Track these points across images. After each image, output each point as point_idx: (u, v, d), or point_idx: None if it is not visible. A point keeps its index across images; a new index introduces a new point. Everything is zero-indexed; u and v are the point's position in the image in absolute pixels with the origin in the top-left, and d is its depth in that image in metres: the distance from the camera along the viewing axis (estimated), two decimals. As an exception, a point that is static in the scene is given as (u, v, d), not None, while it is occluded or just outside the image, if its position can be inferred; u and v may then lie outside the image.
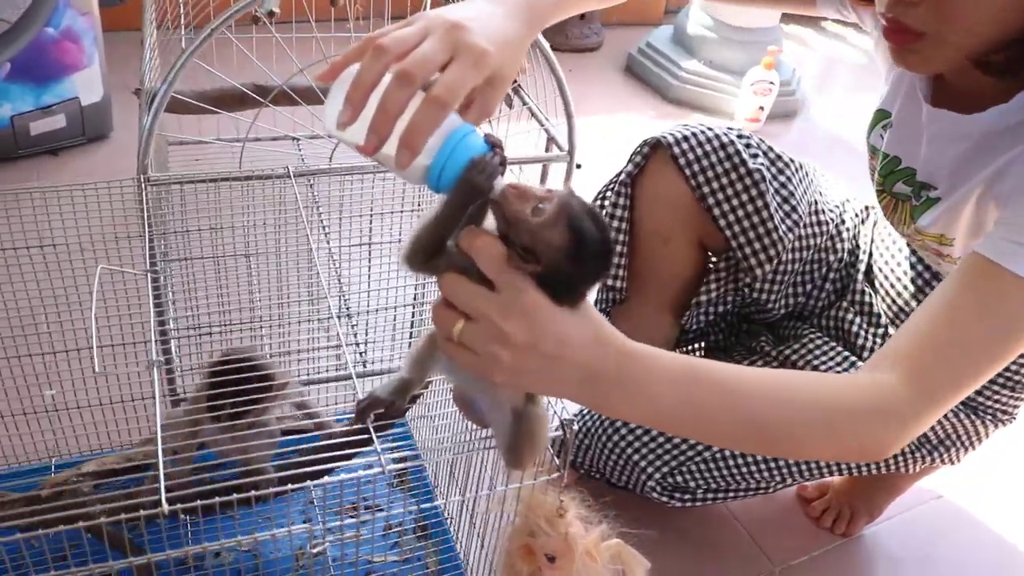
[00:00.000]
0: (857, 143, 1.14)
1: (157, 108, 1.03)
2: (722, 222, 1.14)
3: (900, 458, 1.19)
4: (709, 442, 0.80)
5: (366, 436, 0.77)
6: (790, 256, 1.19)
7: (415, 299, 1.33)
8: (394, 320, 1.32)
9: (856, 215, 1.27)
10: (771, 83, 2.66)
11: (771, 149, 1.17)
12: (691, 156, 1.13)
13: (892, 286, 1.17)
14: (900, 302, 1.16)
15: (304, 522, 1.20)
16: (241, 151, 1.22)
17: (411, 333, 1.34)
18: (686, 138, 1.14)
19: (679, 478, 1.22)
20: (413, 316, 1.35)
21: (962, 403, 1.13)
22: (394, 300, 1.31)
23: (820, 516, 1.38)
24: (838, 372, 1.15)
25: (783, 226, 1.14)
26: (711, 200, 1.14)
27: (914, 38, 0.81)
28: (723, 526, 1.36)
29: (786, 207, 1.15)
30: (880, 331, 1.18)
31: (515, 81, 1.52)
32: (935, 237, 0.99)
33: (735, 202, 1.13)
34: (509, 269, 0.62)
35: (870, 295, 1.20)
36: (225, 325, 1.17)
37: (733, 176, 1.13)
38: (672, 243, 1.21)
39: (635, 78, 2.93)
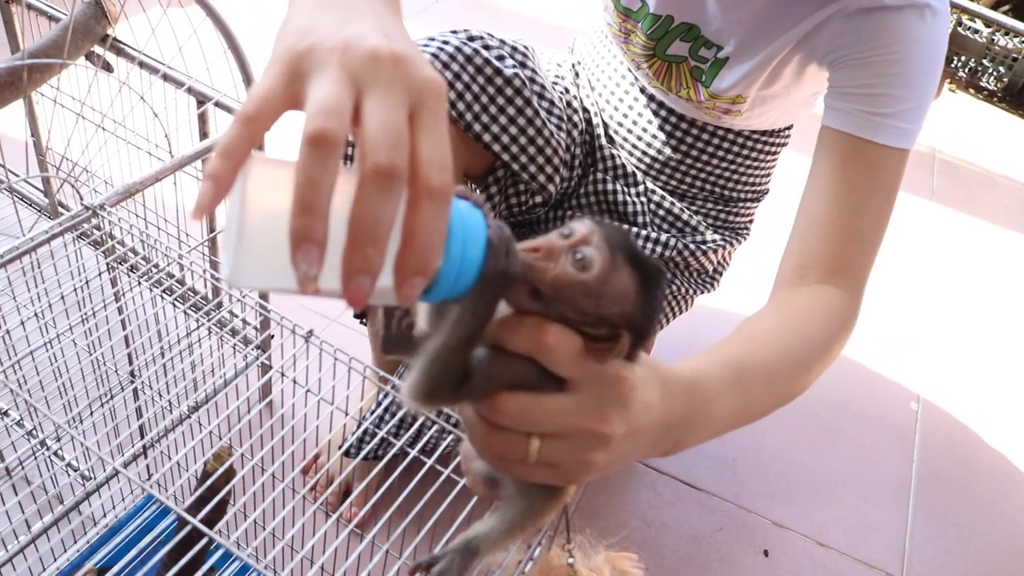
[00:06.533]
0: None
1: None
2: (496, 147, 0.97)
3: (683, 303, 1.23)
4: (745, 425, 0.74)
5: None
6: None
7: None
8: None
9: (570, 78, 1.18)
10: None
11: (503, 41, 1.00)
12: None
13: (639, 138, 1.13)
14: (652, 152, 1.13)
15: None
16: None
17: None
18: (429, 62, 0.92)
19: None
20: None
21: (732, 233, 1.18)
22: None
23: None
24: None
25: (553, 128, 1.01)
26: (478, 127, 0.96)
27: None
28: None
29: (545, 104, 1.02)
30: (640, 188, 1.15)
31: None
32: (730, 99, 0.96)
33: (503, 120, 0.97)
34: (592, 360, 0.46)
35: (617, 156, 1.16)
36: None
37: (491, 91, 0.96)
38: None
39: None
